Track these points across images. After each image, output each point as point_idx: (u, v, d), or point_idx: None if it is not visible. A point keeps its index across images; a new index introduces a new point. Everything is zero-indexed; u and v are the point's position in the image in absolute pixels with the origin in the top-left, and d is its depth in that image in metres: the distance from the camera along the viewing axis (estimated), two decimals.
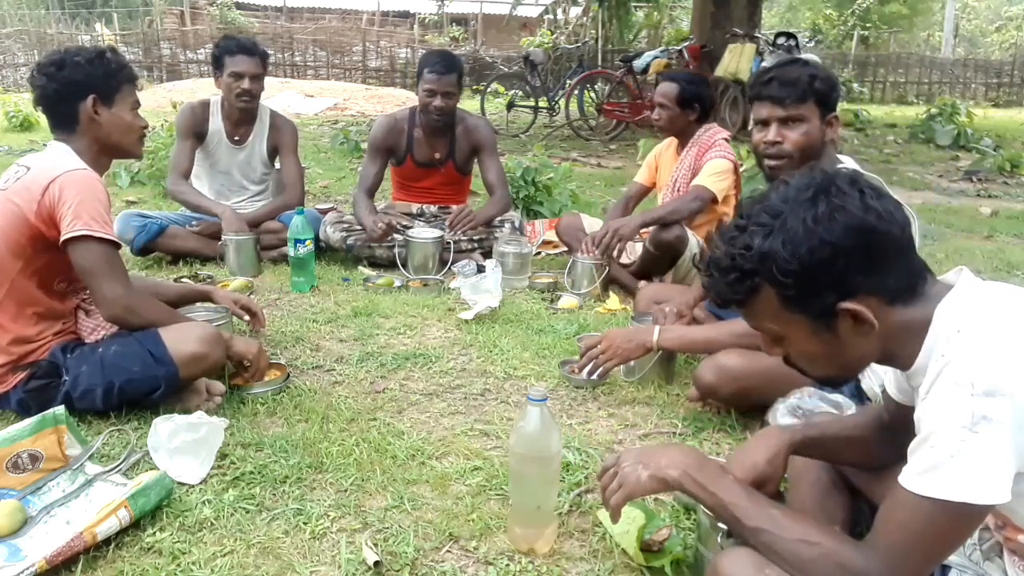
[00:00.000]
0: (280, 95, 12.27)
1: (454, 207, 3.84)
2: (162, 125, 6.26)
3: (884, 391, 1.31)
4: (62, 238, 1.91)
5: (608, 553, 1.55)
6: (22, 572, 1.39)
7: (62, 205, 1.91)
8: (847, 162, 1.99)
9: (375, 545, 1.54)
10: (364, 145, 4.68)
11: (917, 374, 1.08)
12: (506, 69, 14.20)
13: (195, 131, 3.69)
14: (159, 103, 10.90)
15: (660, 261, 3.24)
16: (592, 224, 3.64)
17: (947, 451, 0.96)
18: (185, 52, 16.57)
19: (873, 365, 1.17)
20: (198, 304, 2.55)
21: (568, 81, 10.40)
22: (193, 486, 1.75)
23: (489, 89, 11.34)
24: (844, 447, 1.39)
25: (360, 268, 3.62)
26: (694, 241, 3.15)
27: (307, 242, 3.22)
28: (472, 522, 1.64)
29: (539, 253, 4.05)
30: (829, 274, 1.05)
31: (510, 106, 10.59)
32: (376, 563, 1.48)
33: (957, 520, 0.99)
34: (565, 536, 1.61)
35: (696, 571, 1.43)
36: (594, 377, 2.30)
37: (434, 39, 19.86)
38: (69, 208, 1.90)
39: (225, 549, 1.53)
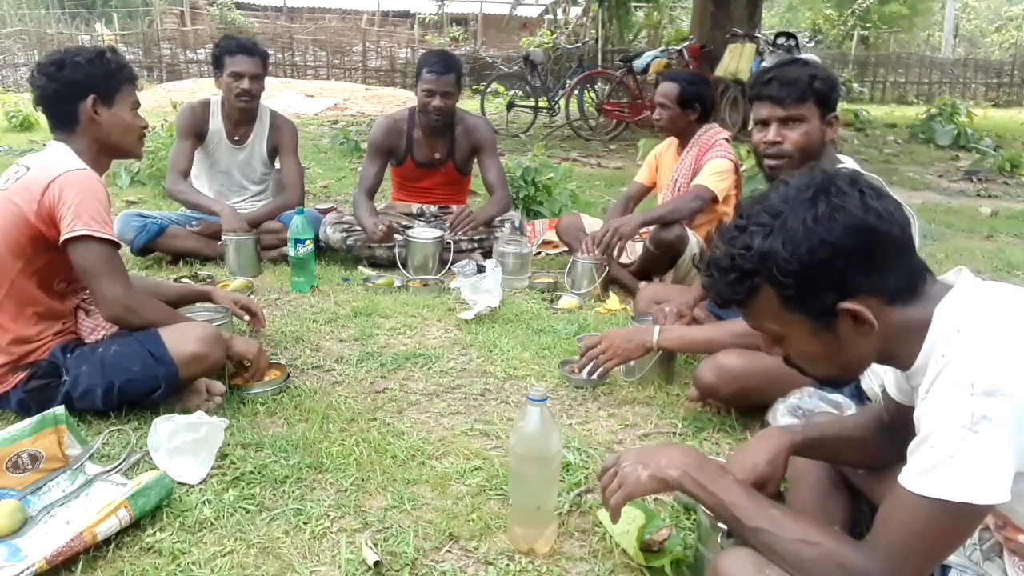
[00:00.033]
0: (280, 95, 12.28)
1: (454, 207, 3.85)
2: (162, 125, 6.26)
3: (884, 391, 1.31)
4: (62, 238, 1.91)
5: (608, 553, 1.55)
6: (22, 572, 1.39)
7: (62, 205, 1.91)
8: (847, 162, 1.99)
9: (375, 545, 1.54)
10: (364, 145, 4.67)
11: (917, 374, 1.08)
12: (506, 69, 14.21)
13: (195, 131, 3.69)
14: (159, 103, 10.90)
15: (660, 261, 3.24)
16: (592, 224, 3.64)
17: (947, 451, 0.96)
18: (185, 52, 16.58)
19: (873, 365, 1.17)
20: (198, 304, 2.55)
21: (568, 81, 10.40)
22: (193, 486, 1.75)
23: (489, 89, 11.34)
24: (844, 447, 1.39)
25: (360, 268, 3.62)
26: (694, 241, 3.15)
27: (307, 242, 3.22)
28: (472, 522, 1.64)
29: (539, 253, 4.05)
30: (829, 274, 1.05)
31: (510, 106, 10.59)
32: (376, 563, 1.48)
33: (957, 520, 0.99)
34: (565, 536, 1.61)
35: (696, 571, 1.43)
36: (594, 377, 2.30)
37: (434, 39, 19.86)
38: (69, 208, 1.90)
39: (225, 549, 1.53)
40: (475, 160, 3.87)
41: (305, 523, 1.62)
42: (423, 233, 3.56)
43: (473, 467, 1.87)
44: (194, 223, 3.70)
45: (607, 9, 15.29)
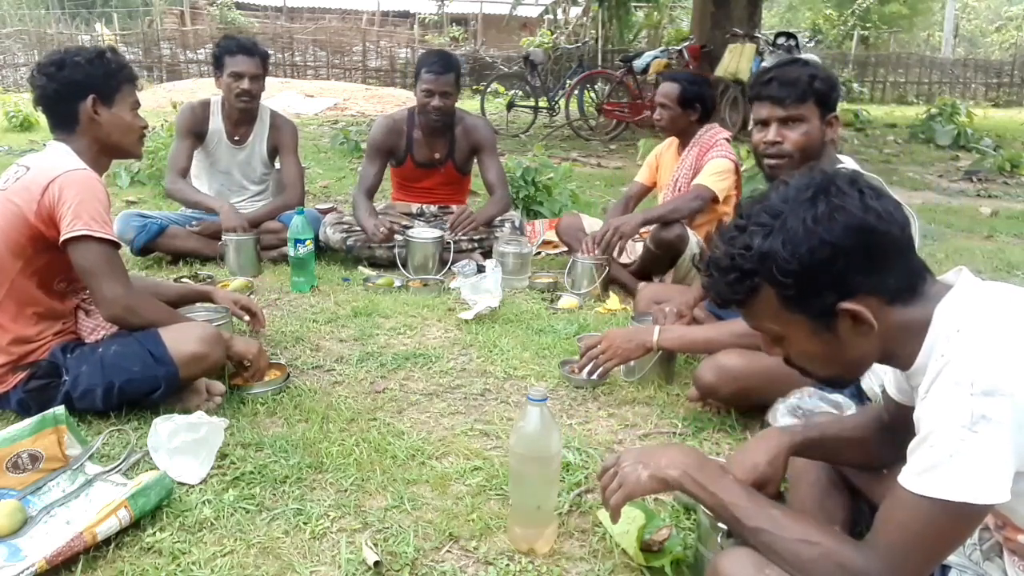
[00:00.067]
0: (280, 95, 12.28)
1: (454, 207, 3.85)
2: (162, 125, 6.26)
3: (884, 391, 1.31)
4: (62, 238, 1.91)
5: (608, 553, 1.55)
6: (22, 572, 1.39)
7: (62, 205, 1.91)
8: (847, 162, 1.99)
9: (375, 545, 1.54)
10: (364, 145, 4.67)
11: (917, 374, 1.08)
12: (506, 69, 14.20)
13: (195, 131, 3.69)
14: (159, 103, 10.90)
15: (660, 260, 3.24)
16: (592, 224, 3.64)
17: (946, 451, 0.96)
18: (185, 52, 16.58)
19: (873, 365, 1.17)
20: (198, 304, 2.55)
21: (568, 81, 10.40)
22: (193, 486, 1.75)
23: (489, 89, 11.34)
24: (844, 448, 1.39)
25: (360, 268, 3.62)
26: (694, 240, 3.15)
27: (307, 242, 3.22)
28: (472, 522, 1.64)
29: (539, 253, 4.05)
30: (829, 274, 1.05)
31: (510, 106, 10.59)
32: (376, 563, 1.48)
33: (957, 520, 0.99)
34: (565, 536, 1.61)
35: (696, 571, 1.43)
36: (594, 377, 2.30)
37: (434, 39, 19.86)
38: (69, 208, 1.90)
39: (225, 549, 1.53)
40: (475, 160, 3.87)
41: (305, 523, 1.62)
42: (423, 233, 3.56)
43: (473, 467, 1.87)
44: (194, 223, 3.70)
45: (607, 9, 15.29)
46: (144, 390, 2.00)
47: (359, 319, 2.92)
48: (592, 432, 2.10)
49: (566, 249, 3.79)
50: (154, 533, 1.56)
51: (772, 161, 2.00)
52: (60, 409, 1.82)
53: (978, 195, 6.77)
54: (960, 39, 28.19)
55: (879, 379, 1.61)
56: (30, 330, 2.00)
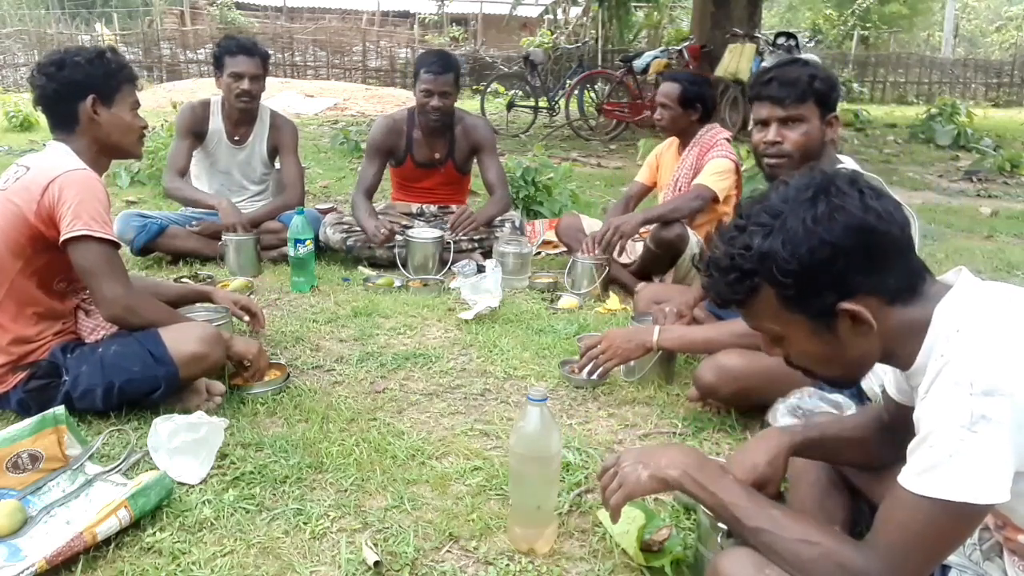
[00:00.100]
0: (280, 95, 12.28)
1: (454, 207, 3.85)
2: (162, 125, 6.26)
3: (884, 391, 1.31)
4: (62, 238, 1.91)
5: (608, 553, 1.55)
6: (22, 572, 1.39)
7: (62, 205, 1.91)
8: (847, 162, 1.99)
9: (375, 545, 1.54)
10: (364, 145, 4.67)
11: (916, 374, 1.09)
12: (506, 69, 14.20)
13: (194, 130, 3.69)
14: (159, 103, 10.90)
15: (661, 260, 3.24)
16: (591, 225, 3.64)
17: (946, 451, 0.96)
18: (185, 52, 16.58)
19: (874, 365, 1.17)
20: (198, 304, 2.55)
21: (568, 81, 10.40)
22: (193, 486, 1.75)
23: (489, 89, 11.34)
24: (844, 448, 1.39)
25: (360, 268, 3.62)
26: (695, 240, 3.16)
27: (307, 242, 3.22)
28: (472, 522, 1.64)
29: (539, 253, 4.05)
30: (829, 274, 1.05)
31: (510, 106, 10.59)
32: (376, 563, 1.48)
33: (957, 520, 0.99)
34: (565, 536, 1.61)
35: (696, 571, 1.43)
36: (594, 377, 2.30)
37: (434, 39, 19.86)
38: (69, 208, 1.90)
39: (225, 549, 1.53)
40: (475, 160, 3.87)
41: (305, 523, 1.62)
42: (423, 233, 3.56)
43: (473, 467, 1.87)
44: (194, 223, 3.70)
45: (607, 9, 15.29)
46: (144, 390, 2.00)
47: (359, 319, 2.92)
48: (592, 432, 2.10)
49: (566, 249, 3.78)
50: (154, 533, 1.56)
51: (772, 161, 2.00)
52: (60, 409, 1.82)
53: (978, 195, 6.77)
54: (960, 39, 28.20)
55: (879, 379, 1.61)
56: (30, 330, 2.00)
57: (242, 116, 3.69)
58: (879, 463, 1.36)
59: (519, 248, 3.50)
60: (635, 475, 1.28)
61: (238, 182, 3.83)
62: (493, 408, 2.23)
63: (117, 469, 1.80)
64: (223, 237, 3.46)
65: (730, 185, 3.20)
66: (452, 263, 3.50)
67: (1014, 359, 0.97)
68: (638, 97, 9.26)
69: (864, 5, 22.27)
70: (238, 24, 18.99)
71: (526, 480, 1.54)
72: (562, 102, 10.12)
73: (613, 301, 3.18)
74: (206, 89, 10.60)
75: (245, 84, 3.54)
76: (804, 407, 1.82)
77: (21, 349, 1.99)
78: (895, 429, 1.24)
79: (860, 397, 1.86)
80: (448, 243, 3.54)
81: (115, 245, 2.00)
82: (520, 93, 10.96)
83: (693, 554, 1.47)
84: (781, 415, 1.83)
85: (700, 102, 3.27)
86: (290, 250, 3.23)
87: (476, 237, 3.71)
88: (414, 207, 3.95)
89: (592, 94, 10.30)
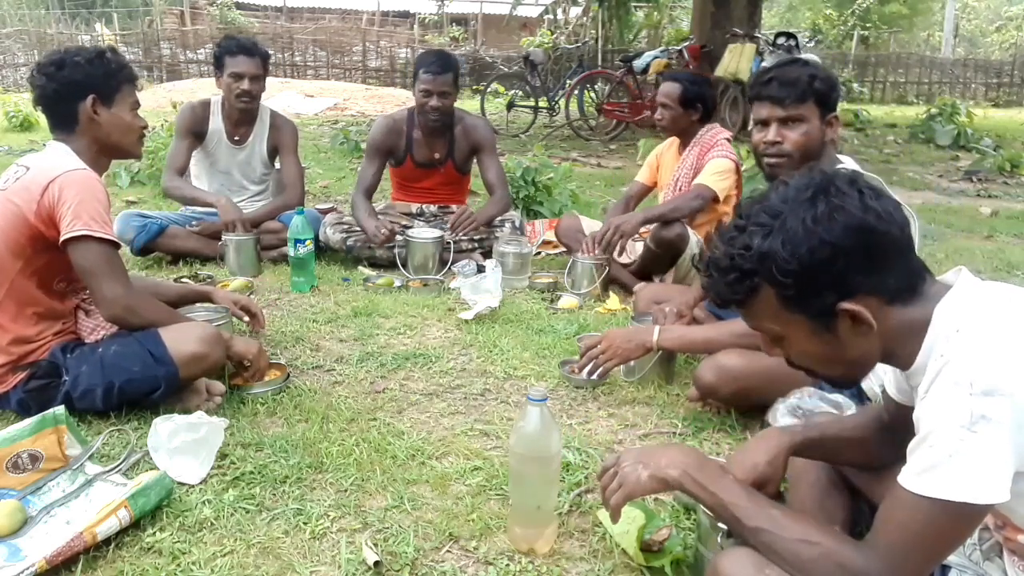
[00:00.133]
0: (280, 95, 12.28)
1: (454, 207, 3.85)
2: (162, 125, 6.26)
3: (884, 391, 1.31)
4: (62, 238, 1.91)
5: (608, 553, 1.55)
6: (22, 572, 1.39)
7: (62, 205, 1.91)
8: (847, 162, 1.99)
9: (375, 545, 1.54)
10: (364, 145, 4.68)
11: (916, 374, 1.09)
12: (506, 69, 14.20)
13: (194, 130, 3.69)
14: (159, 103, 10.90)
15: (661, 259, 3.24)
16: (591, 225, 3.64)
17: (946, 451, 0.96)
18: (185, 52, 16.58)
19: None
20: (198, 304, 2.55)
21: (568, 81, 10.40)
22: (193, 486, 1.75)
23: (489, 89, 11.34)
24: (844, 448, 1.39)
25: (360, 268, 3.62)
26: (695, 240, 3.16)
27: (307, 242, 3.22)
28: (472, 522, 1.64)
29: (539, 253, 4.05)
30: (829, 274, 1.05)
31: (510, 106, 10.59)
32: (376, 563, 1.48)
33: (957, 520, 0.99)
34: (565, 536, 1.61)
35: (696, 571, 1.43)
36: (594, 377, 2.30)
37: (434, 39, 19.86)
38: (69, 208, 1.90)
39: (225, 549, 1.53)
40: (475, 160, 3.87)
41: (305, 523, 1.62)
42: (423, 233, 3.56)
43: (473, 467, 1.87)
44: (194, 223, 3.70)
45: (607, 9, 15.29)
46: (144, 390, 2.00)
47: (359, 319, 2.92)
48: (592, 432, 2.10)
49: (566, 249, 3.79)
50: (154, 533, 1.56)
51: (772, 161, 2.00)
52: (60, 409, 1.82)
53: (978, 195, 6.77)
54: (960, 39, 28.20)
55: (879, 379, 1.61)
56: (30, 330, 2.00)
57: (242, 116, 3.69)
58: (879, 463, 1.36)
59: (519, 248, 3.50)
60: (635, 475, 1.28)
61: (238, 182, 3.83)
62: (493, 408, 2.23)
63: (117, 469, 1.80)
64: (223, 237, 3.46)
65: (730, 185, 3.20)
66: (452, 263, 3.50)
67: (1014, 359, 0.97)
68: (638, 97, 9.26)
69: (864, 5, 22.27)
70: (238, 24, 18.99)
71: (526, 480, 1.54)
72: (562, 102, 10.12)
73: (613, 301, 3.18)
74: (206, 89, 10.61)
75: (245, 84, 3.54)
76: (804, 407, 1.82)
77: (21, 349, 1.99)
78: (895, 429, 1.24)
79: (860, 397, 1.86)
80: (448, 243, 3.54)
81: (115, 245, 2.00)
82: (520, 93, 10.96)
83: (693, 554, 1.47)
84: (781, 415, 1.83)
85: (700, 102, 3.27)
86: (290, 250, 3.23)
87: (476, 237, 3.71)
88: (414, 207, 3.95)
89: (592, 94, 10.30)
